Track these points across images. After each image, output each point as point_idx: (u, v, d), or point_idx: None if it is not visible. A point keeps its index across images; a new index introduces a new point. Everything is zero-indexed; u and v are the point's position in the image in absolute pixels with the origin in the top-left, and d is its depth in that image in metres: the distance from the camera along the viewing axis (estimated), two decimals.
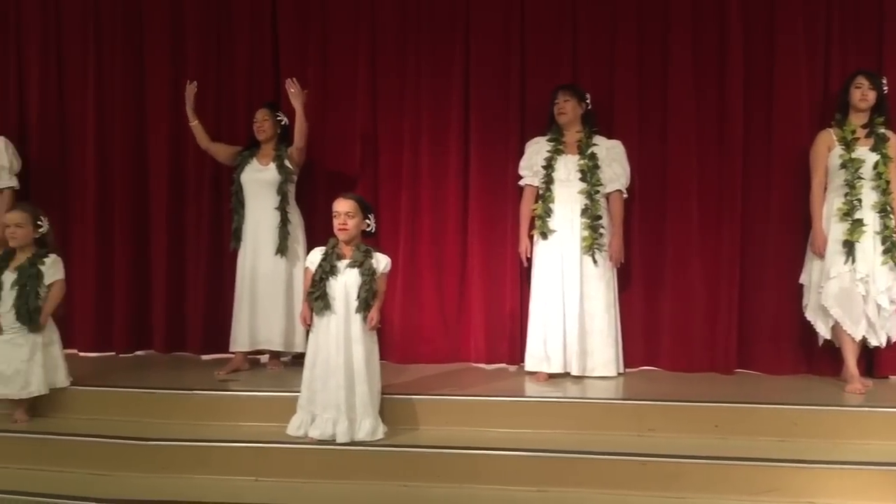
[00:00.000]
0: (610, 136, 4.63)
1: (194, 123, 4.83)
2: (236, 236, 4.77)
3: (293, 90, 4.51)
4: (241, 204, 4.76)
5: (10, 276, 4.15)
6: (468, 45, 4.96)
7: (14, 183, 5.04)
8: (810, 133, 4.52)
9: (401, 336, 4.94)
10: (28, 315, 4.10)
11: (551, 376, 4.47)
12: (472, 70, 4.96)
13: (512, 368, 4.82)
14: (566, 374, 4.47)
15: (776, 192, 4.70)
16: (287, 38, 5.16)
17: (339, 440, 3.74)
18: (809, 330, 4.49)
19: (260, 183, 4.69)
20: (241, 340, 4.68)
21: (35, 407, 4.18)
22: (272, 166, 4.69)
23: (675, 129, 4.77)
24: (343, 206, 3.86)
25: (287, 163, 4.68)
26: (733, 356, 4.71)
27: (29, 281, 4.13)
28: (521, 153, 4.75)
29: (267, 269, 4.65)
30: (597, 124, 4.62)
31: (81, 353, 5.21)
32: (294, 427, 3.87)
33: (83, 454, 3.87)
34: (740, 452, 3.66)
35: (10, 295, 4.13)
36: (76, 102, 5.33)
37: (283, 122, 4.76)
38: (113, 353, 5.26)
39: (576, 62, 4.88)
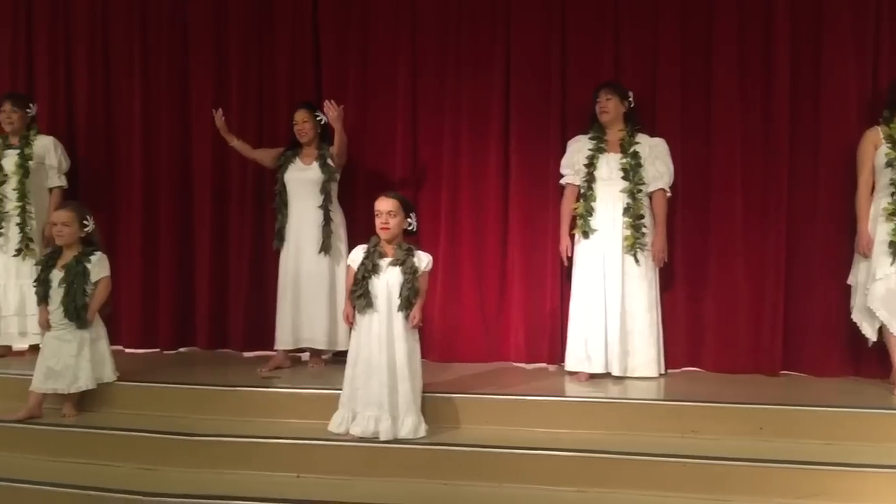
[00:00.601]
0: (652, 134, 4.58)
1: (234, 144, 4.86)
2: (279, 236, 4.80)
3: (333, 113, 4.52)
4: (284, 204, 4.79)
5: (57, 274, 4.23)
6: (509, 44, 4.96)
7: (63, 182, 5.15)
8: (858, 131, 4.45)
9: (441, 335, 4.95)
10: (75, 312, 4.18)
11: (592, 376, 4.45)
12: (513, 69, 4.95)
13: (552, 368, 4.80)
14: (607, 375, 4.44)
15: (823, 190, 4.63)
16: (328, 38, 5.20)
17: (381, 437, 3.75)
18: (857, 331, 4.40)
19: (303, 182, 4.72)
20: (284, 339, 4.72)
21: (82, 401, 4.26)
22: (315, 165, 4.72)
23: (719, 126, 4.72)
24: (385, 205, 3.88)
25: (330, 161, 4.71)
26: (778, 357, 4.64)
27: (76, 278, 4.20)
28: (561, 152, 4.73)
29: (310, 268, 4.68)
30: (639, 122, 4.59)
31: (127, 350, 5.30)
32: (335, 424, 3.90)
33: (129, 448, 3.93)
34: (785, 455, 3.61)
35: (57, 292, 4.21)
36: (123, 104, 5.43)
37: (322, 122, 4.78)
38: (157, 350, 5.34)
39: (618, 59, 4.85)
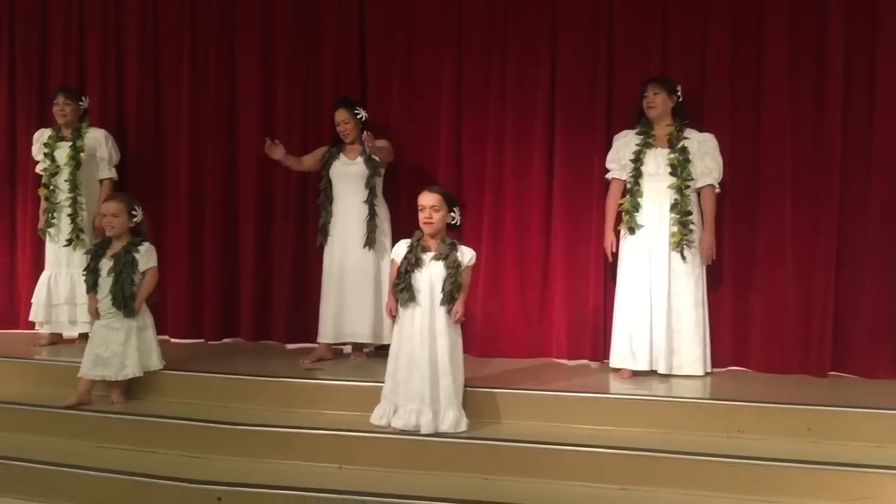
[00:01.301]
0: (701, 130, 4.52)
1: (289, 163, 4.87)
2: (323, 232, 4.82)
3: (371, 144, 4.56)
4: (328, 200, 4.81)
5: (106, 264, 4.31)
6: (555, 40, 4.92)
7: (113, 174, 5.24)
8: None
9: (482, 330, 4.94)
10: (123, 301, 4.25)
11: (636, 373, 4.40)
12: (559, 66, 4.91)
13: (594, 365, 4.76)
14: (651, 372, 4.39)
15: (876, 189, 4.52)
16: (374, 37, 5.22)
17: (423, 431, 3.75)
18: None
19: (348, 177, 4.74)
20: (327, 332, 4.75)
21: (130, 389, 4.33)
22: (360, 160, 4.74)
23: (769, 121, 4.63)
24: (429, 200, 3.88)
25: (374, 156, 4.72)
26: (828, 358, 4.55)
27: (124, 268, 4.28)
28: (606, 148, 4.69)
29: (355, 263, 4.70)
30: (688, 117, 4.52)
31: (173, 340, 5.38)
32: (377, 416, 3.91)
33: (175, 436, 3.99)
34: (834, 457, 3.54)
35: (106, 282, 4.29)
36: (171, 98, 5.51)
37: (361, 118, 4.78)
38: (202, 341, 5.42)
39: (665, 54, 4.78)
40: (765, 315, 4.65)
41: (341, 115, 4.77)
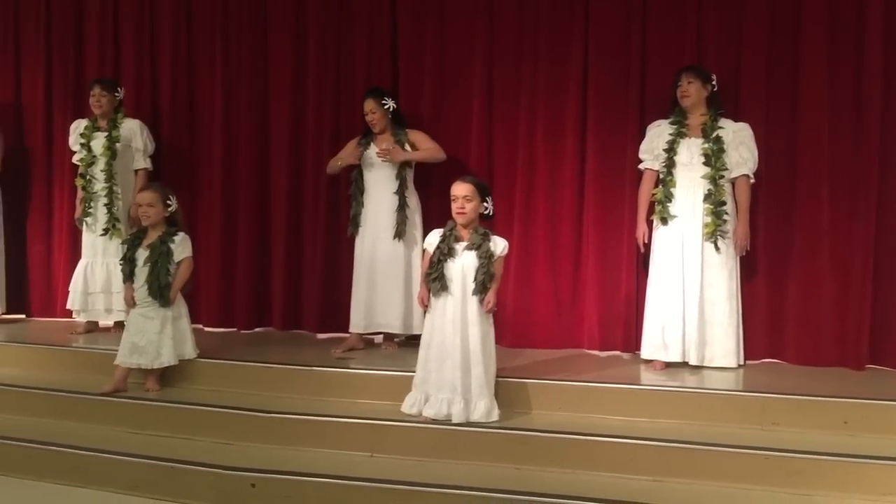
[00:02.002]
0: (736, 119, 4.46)
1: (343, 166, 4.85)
2: (354, 223, 4.82)
3: (385, 157, 4.59)
4: (360, 191, 4.81)
5: (142, 253, 4.35)
6: (587, 29, 4.87)
7: (148, 164, 5.30)
8: None
9: (513, 320, 4.92)
10: (159, 290, 4.30)
11: (668, 365, 4.37)
12: (591, 55, 4.86)
13: (626, 356, 4.73)
14: (683, 364, 4.35)
15: None
16: (405, 25, 5.20)
17: (454, 420, 3.76)
18: None
19: (379, 167, 4.74)
20: (358, 322, 4.76)
21: (165, 377, 4.38)
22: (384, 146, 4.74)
23: (805, 111, 4.56)
24: (461, 190, 3.87)
25: (407, 147, 4.72)
26: (864, 350, 4.47)
27: (160, 258, 4.32)
28: (639, 138, 4.64)
29: (386, 253, 4.71)
30: (722, 106, 4.46)
31: (206, 328, 5.43)
32: (408, 405, 3.92)
33: (208, 423, 4.03)
34: (871, 451, 3.49)
35: (142, 271, 4.33)
36: (205, 89, 5.55)
37: (389, 108, 4.76)
38: (235, 329, 5.46)
39: (700, 43, 4.72)
40: (800, 306, 4.59)
41: (369, 105, 4.77)
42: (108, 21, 5.69)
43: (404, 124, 4.82)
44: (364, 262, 4.77)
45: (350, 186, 4.87)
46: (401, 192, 4.72)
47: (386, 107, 4.75)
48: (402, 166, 4.73)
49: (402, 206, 4.71)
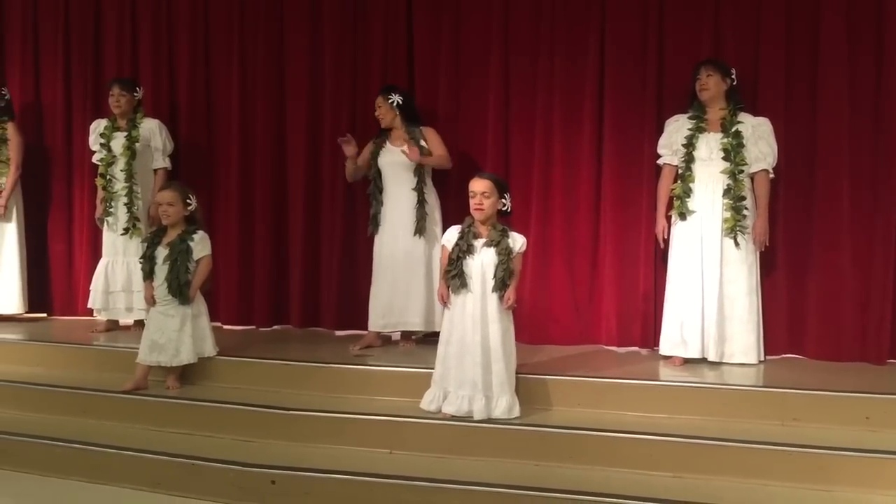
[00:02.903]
0: (755, 113, 4.43)
1: (351, 165, 4.86)
2: (374, 222, 4.82)
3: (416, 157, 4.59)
4: (378, 190, 4.81)
5: (162, 252, 4.37)
6: (604, 23, 4.85)
7: (167, 164, 5.34)
8: None
9: (531, 316, 4.90)
10: (178, 288, 4.32)
11: (687, 361, 4.35)
12: (608, 49, 4.85)
13: (644, 352, 4.71)
14: (702, 360, 4.33)
15: None
16: (421, 21, 5.20)
17: (475, 417, 3.76)
18: None
19: (396, 165, 4.75)
20: (378, 322, 4.76)
21: (185, 375, 4.41)
22: (405, 147, 4.74)
23: (825, 105, 4.52)
24: (479, 186, 3.86)
25: (422, 143, 4.72)
26: (886, 345, 4.45)
27: (179, 256, 4.34)
28: (656, 134, 4.63)
29: (405, 250, 4.71)
30: (741, 101, 4.43)
31: (225, 326, 5.46)
32: (427, 401, 3.93)
33: (228, 421, 4.06)
34: (892, 447, 3.46)
35: (162, 269, 4.35)
36: (222, 89, 5.58)
37: (394, 103, 4.76)
38: (253, 327, 5.49)
39: (717, 37, 4.69)
40: (821, 302, 4.56)
41: (377, 102, 4.80)
42: (126, 21, 5.73)
43: (418, 121, 4.82)
44: (384, 261, 4.77)
45: (369, 185, 4.87)
46: (419, 189, 4.73)
47: (391, 102, 4.76)
48: (419, 163, 4.74)
49: (421, 203, 4.71)
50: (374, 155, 4.83)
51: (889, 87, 4.43)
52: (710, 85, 4.35)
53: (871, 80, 4.48)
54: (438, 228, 4.74)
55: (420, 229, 4.70)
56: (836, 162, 4.51)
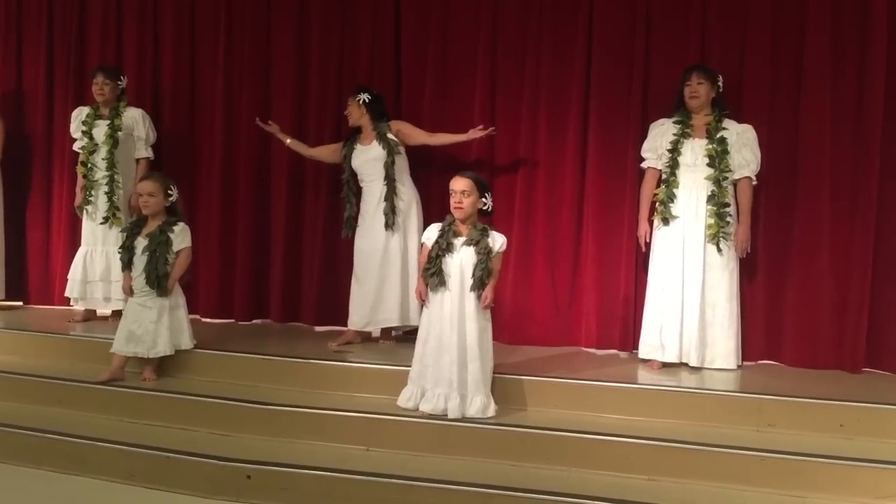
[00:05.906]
0: (738, 121, 4.45)
1: (289, 143, 4.97)
2: (349, 225, 4.83)
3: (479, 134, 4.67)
4: (353, 192, 4.82)
5: (141, 242, 4.35)
6: (591, 26, 4.86)
7: (150, 154, 5.29)
8: None
9: (511, 317, 4.92)
10: (157, 280, 4.30)
11: (665, 365, 4.37)
12: (595, 52, 4.85)
13: (623, 355, 4.74)
14: (680, 364, 4.35)
15: None
16: (409, 20, 5.19)
17: (450, 415, 3.76)
18: None
19: (369, 163, 4.73)
20: (357, 320, 4.75)
21: (162, 367, 4.38)
22: (375, 144, 4.72)
23: (808, 113, 4.55)
24: (459, 185, 3.87)
25: (389, 136, 4.71)
26: (861, 354, 4.48)
27: (159, 247, 4.31)
28: (640, 137, 4.64)
29: (381, 247, 4.68)
30: (727, 108, 4.45)
31: (204, 319, 5.43)
32: (404, 399, 3.93)
33: (205, 414, 4.04)
34: (866, 454, 3.51)
35: (141, 260, 4.33)
36: (206, 80, 5.54)
37: (361, 101, 4.75)
38: (232, 321, 5.46)
39: (704, 43, 4.70)
40: (798, 309, 4.59)
41: (347, 102, 4.82)
42: (111, 10, 5.68)
43: (386, 115, 4.80)
44: (364, 259, 4.75)
45: (343, 189, 4.86)
46: (389, 184, 4.69)
47: (359, 100, 4.76)
48: (389, 157, 4.70)
49: (389, 196, 4.68)
50: (347, 158, 4.81)
51: (870, 97, 4.46)
52: (701, 93, 4.35)
53: (853, 90, 4.50)
54: (417, 224, 4.73)
55: (389, 223, 4.67)
56: (816, 170, 4.54)
